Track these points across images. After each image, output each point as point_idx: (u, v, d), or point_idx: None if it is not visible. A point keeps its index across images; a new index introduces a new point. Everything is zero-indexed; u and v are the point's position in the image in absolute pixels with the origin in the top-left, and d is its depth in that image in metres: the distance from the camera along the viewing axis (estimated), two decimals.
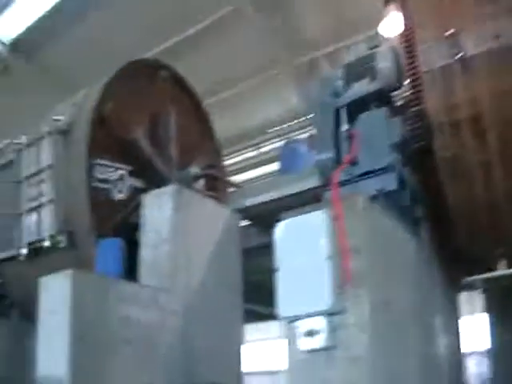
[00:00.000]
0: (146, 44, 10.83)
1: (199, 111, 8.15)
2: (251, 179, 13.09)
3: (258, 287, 6.63)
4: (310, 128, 12.44)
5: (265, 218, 7.02)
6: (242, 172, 13.48)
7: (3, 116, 11.19)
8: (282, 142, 13.01)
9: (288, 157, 8.20)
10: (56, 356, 4.73)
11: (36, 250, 6.62)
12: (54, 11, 10.63)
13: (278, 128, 13.04)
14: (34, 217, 6.66)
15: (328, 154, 4.55)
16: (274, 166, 13.27)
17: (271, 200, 6.89)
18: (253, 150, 13.80)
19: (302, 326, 3.68)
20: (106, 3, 10.65)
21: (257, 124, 13.08)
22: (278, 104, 12.52)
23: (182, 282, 5.80)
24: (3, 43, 11.12)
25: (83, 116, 6.48)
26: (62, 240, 6.27)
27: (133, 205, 6.63)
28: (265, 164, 13.45)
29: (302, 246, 3.68)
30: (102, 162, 6.48)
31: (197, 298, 5.87)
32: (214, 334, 6.01)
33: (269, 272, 7.76)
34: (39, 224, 6.57)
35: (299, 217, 3.77)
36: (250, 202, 7.02)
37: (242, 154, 13.89)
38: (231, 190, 8.12)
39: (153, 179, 6.94)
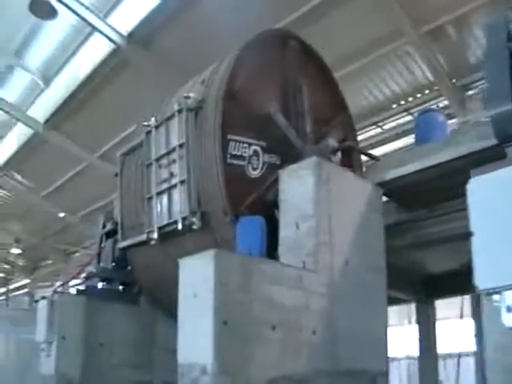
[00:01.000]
0: (261, 23, 10.49)
1: (330, 83, 7.62)
2: None
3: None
4: (436, 101, 11.64)
5: (406, 192, 6.43)
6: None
7: (128, 105, 11.32)
8: (407, 118, 12.31)
9: (424, 127, 7.50)
10: (199, 341, 4.41)
11: (167, 234, 6.41)
12: None
13: (403, 102, 12.23)
14: (164, 199, 6.42)
15: (507, 106, 3.89)
16: (399, 143, 12.61)
17: (415, 171, 6.20)
18: (376, 128, 13.06)
19: (506, 298, 3.07)
20: None
21: (381, 99, 12.30)
22: (401, 78, 11.73)
23: (326, 261, 5.33)
24: (121, 35, 11.15)
25: (214, 91, 6.16)
26: (196, 222, 5.98)
27: (268, 181, 6.27)
28: (390, 141, 12.72)
29: (505, 205, 3.06)
30: (236, 137, 6.13)
31: (341, 279, 5.40)
32: (359, 317, 5.51)
33: (403, 251, 7.24)
34: (170, 206, 6.33)
35: (499, 171, 3.14)
36: (392, 174, 6.36)
37: (366, 131, 13.19)
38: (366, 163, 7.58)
39: (287, 155, 6.52)
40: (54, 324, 6.95)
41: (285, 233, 5.51)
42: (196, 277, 4.66)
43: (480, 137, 5.24)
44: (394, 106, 12.28)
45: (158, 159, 6.57)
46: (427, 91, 11.77)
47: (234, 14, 10.56)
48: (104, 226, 7.81)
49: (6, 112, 15.67)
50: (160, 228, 6.42)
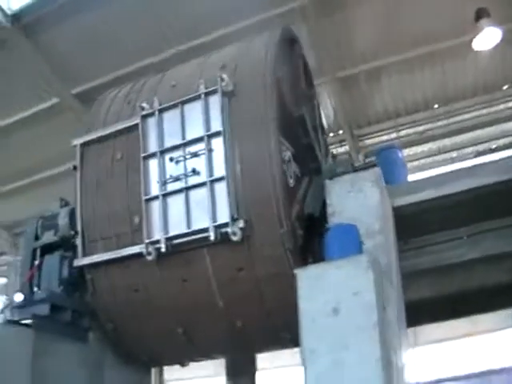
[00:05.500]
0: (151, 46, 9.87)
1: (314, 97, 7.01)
2: None
3: None
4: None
5: None
6: None
7: None
8: None
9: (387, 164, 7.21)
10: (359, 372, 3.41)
11: (177, 248, 4.98)
12: None
13: None
14: (177, 202, 5.02)
15: None
16: None
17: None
18: None
19: None
20: None
21: None
22: None
23: (394, 281, 4.90)
24: (5, 13, 8.99)
25: (257, 79, 5.10)
26: (237, 232, 4.73)
27: (300, 193, 5.35)
28: None
29: None
30: (281, 138, 5.10)
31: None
32: None
33: None
34: (189, 212, 4.96)
35: None
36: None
37: None
38: None
39: (306, 167, 5.72)
40: None
41: None
42: (339, 290, 3.63)
43: None
44: None
45: (163, 151, 5.17)
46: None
47: (122, 31, 9.61)
48: (37, 238, 5.79)
49: None
50: (168, 239, 4.97)
